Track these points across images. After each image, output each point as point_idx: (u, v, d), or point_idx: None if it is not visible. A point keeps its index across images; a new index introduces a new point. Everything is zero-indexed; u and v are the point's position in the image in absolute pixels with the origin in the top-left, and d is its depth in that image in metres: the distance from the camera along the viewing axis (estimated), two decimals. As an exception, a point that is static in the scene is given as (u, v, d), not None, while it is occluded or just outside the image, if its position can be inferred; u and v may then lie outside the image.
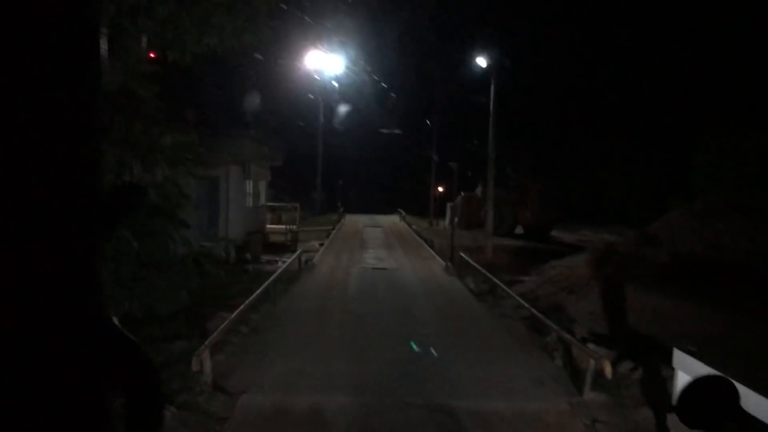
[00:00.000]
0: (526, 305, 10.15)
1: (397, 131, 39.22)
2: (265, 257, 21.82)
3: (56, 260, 0.64)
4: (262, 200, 26.78)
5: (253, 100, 26.85)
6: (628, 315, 9.46)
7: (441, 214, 36.07)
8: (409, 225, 33.65)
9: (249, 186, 23.47)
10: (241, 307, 9.36)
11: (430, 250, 21.01)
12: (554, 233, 29.43)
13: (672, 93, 35.09)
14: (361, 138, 47.53)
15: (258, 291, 10.61)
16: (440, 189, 38.12)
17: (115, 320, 0.73)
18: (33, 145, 0.63)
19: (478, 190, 30.79)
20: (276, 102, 34.36)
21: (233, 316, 8.82)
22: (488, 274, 13.55)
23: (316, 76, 32.60)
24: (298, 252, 16.51)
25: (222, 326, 8.09)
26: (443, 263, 17.21)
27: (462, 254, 16.15)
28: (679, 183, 36.41)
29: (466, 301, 12.31)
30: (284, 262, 20.77)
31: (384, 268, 16.53)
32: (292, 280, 13.82)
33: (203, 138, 18.99)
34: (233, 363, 7.64)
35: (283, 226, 25.75)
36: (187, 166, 8.94)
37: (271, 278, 11.62)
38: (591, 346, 8.38)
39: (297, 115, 38.04)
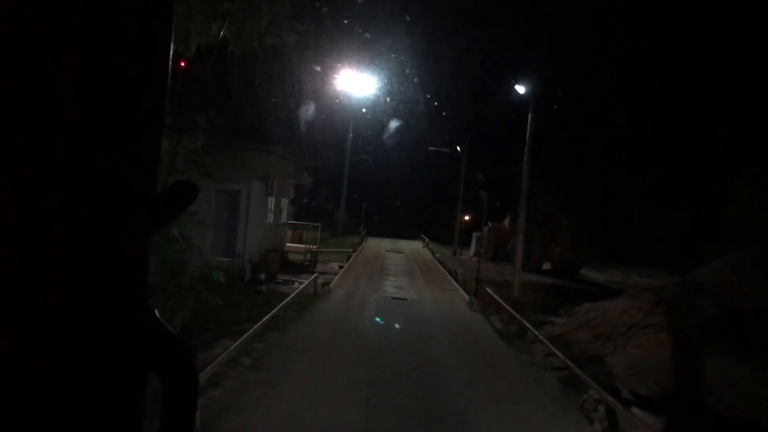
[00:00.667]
0: (561, 355, 9.12)
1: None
2: (281, 277, 21.10)
3: (113, 250, 0.66)
4: (284, 218, 26.15)
5: (283, 115, 26.46)
6: (677, 374, 8.36)
7: (466, 244, 35.01)
8: (432, 253, 32.66)
9: (271, 202, 22.87)
10: (245, 335, 8.54)
11: (454, 282, 20.01)
12: (582, 272, 28.20)
13: (710, 133, 33.77)
14: (388, 161, 46.91)
15: (266, 317, 9.78)
16: (467, 217, 37.09)
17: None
18: (106, 140, 0.65)
19: (506, 222, 29.74)
20: (306, 120, 34.02)
21: (234, 345, 8.00)
22: (517, 314, 12.52)
23: (346, 97, 32.24)
24: (314, 275, 15.66)
25: (220, 358, 7.26)
26: (467, 297, 16.20)
27: (488, 290, 15.12)
28: (713, 228, 35.05)
29: (491, 344, 11.29)
30: (301, 283, 20.08)
31: (404, 299, 15.58)
32: (306, 306, 12.96)
33: (226, 150, 18.46)
34: (228, 402, 6.77)
35: (303, 246, 24.98)
36: (199, 173, 8.22)
37: (282, 303, 10.78)
38: (635, 410, 7.34)
39: (326, 136, 37.62)
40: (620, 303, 12.57)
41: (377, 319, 12.47)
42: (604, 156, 38.26)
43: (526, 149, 18.43)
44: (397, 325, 11.93)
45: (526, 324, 11.25)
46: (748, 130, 31.69)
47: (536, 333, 10.65)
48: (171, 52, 0.71)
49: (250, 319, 10.46)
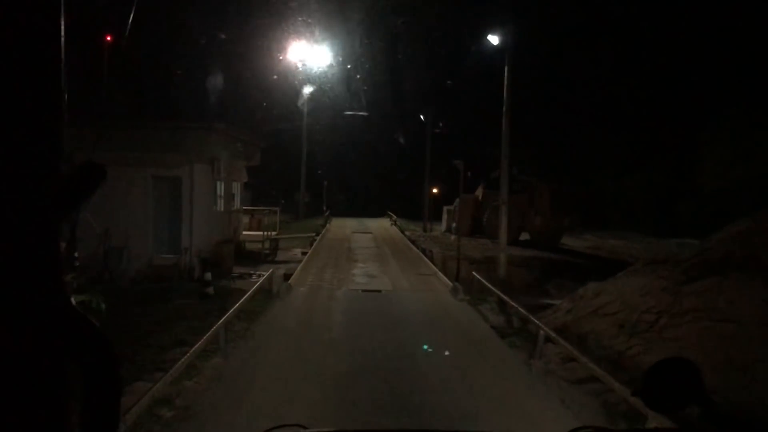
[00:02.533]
0: (590, 363, 6.98)
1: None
2: (238, 270, 18.67)
3: (15, 241, 0.64)
4: (237, 204, 23.50)
5: (224, 89, 23.62)
6: (754, 381, 6.34)
7: (436, 218, 32.88)
8: (402, 230, 30.47)
9: (220, 188, 20.22)
10: (169, 373, 6.14)
11: (430, 264, 17.84)
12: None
13: (680, 82, 32.31)
14: (346, 135, 44.23)
15: (205, 336, 7.40)
16: (435, 190, 34.93)
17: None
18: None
19: (479, 192, 27.68)
20: (254, 95, 31.14)
21: (152, 388, 5.63)
22: (514, 303, 10.42)
23: (299, 67, 29.45)
24: (270, 271, 13.24)
25: (131, 408, 4.90)
26: (449, 283, 14.07)
27: (475, 274, 12.97)
28: (686, 186, 33.83)
29: (489, 345, 9.16)
30: (260, 276, 17.60)
31: (377, 291, 13.33)
32: (260, 312, 10.57)
33: (160, 130, 15.71)
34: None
35: (261, 233, 22.44)
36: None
37: (224, 317, 8.35)
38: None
39: (278, 111, 34.74)
40: (636, 281, 10.54)
41: (345, 323, 10.19)
42: (576, 117, 36.59)
43: (504, 108, 16.25)
44: (372, 330, 9.64)
45: (536, 321, 9.07)
46: (718, 76, 30.34)
47: (548, 331, 8.49)
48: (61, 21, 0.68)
49: (186, 341, 8.07)
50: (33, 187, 0.65)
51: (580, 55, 35.33)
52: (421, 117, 33.39)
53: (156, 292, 14.10)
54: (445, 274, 15.97)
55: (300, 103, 34.14)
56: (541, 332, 8.37)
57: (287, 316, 10.58)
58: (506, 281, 15.01)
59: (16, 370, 0.64)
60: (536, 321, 8.92)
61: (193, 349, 6.92)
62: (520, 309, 9.87)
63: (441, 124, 33.27)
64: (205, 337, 7.36)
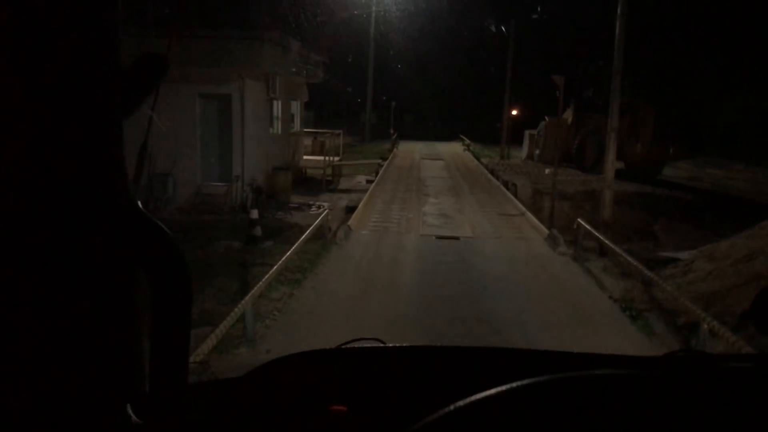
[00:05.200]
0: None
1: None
2: (296, 200, 16.75)
3: (75, 137, 0.62)
4: (297, 125, 21.32)
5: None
6: None
7: (514, 143, 29.56)
8: (477, 157, 27.56)
9: (276, 107, 18.01)
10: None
11: (515, 200, 15.13)
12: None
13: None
14: (416, 51, 40.48)
15: (226, 320, 5.34)
16: (514, 112, 31.43)
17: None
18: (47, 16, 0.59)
19: (568, 115, 24.21)
20: (315, 2, 28.09)
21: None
22: (645, 269, 7.78)
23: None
24: (324, 212, 11.02)
25: None
26: (542, 228, 11.48)
27: (580, 221, 10.24)
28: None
29: (615, 331, 6.60)
30: (320, 207, 15.65)
31: (455, 238, 10.89)
32: (307, 269, 8.40)
33: (205, 41, 13.36)
34: None
35: (322, 158, 20.27)
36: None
37: (264, 280, 6.22)
38: None
39: (342, 22, 31.55)
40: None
41: (416, 289, 7.87)
42: (671, 30, 31.52)
43: (618, 9, 12.83)
44: (451, 303, 7.23)
45: (691, 305, 6.37)
46: None
47: (717, 325, 5.78)
48: None
49: (208, 316, 6.05)
50: (92, 81, 0.62)
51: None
52: (502, 28, 29.52)
53: (200, 228, 12.34)
54: (534, 215, 13.33)
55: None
56: (704, 326, 5.73)
57: (342, 275, 8.35)
58: (615, 228, 12.23)
59: (84, 277, 0.62)
60: (698, 310, 6.22)
61: (221, 326, 4.86)
62: (666, 287, 7.19)
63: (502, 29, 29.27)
64: (226, 321, 5.27)
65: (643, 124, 21.21)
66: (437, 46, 40.24)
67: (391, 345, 1.32)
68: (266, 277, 6.49)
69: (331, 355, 1.28)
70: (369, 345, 1.37)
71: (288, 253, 7.87)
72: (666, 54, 30.67)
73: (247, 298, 5.78)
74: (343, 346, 1.35)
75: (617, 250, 8.69)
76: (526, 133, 27.43)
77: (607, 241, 9.22)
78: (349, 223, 11.25)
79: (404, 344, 1.29)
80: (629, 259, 8.34)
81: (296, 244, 8.41)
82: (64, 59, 0.60)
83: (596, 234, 9.71)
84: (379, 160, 23.49)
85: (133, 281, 0.67)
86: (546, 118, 24.91)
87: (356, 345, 1.37)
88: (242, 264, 8.97)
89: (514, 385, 0.71)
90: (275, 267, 7.04)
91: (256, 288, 6.07)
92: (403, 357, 1.29)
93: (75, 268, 0.62)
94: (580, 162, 22.30)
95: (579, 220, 10.23)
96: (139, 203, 0.69)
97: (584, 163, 22.17)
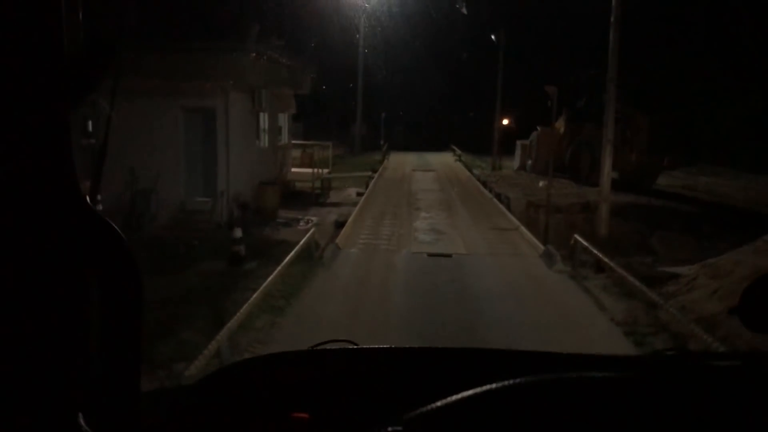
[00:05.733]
0: None
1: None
2: (284, 214, 16.31)
3: (20, 131, 0.60)
4: (285, 138, 20.87)
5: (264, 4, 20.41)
6: None
7: (504, 153, 29.16)
8: (468, 168, 27.19)
9: (263, 120, 17.58)
10: None
11: (508, 214, 14.72)
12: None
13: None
14: (406, 61, 40.17)
15: (204, 354, 4.86)
16: (505, 122, 31.12)
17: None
18: None
19: (560, 124, 23.88)
20: (301, 13, 27.71)
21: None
22: (649, 291, 7.37)
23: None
24: (311, 231, 10.53)
25: None
26: (536, 243, 11.06)
27: (577, 237, 9.82)
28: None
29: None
30: (308, 221, 15.27)
31: (448, 255, 10.44)
32: (291, 295, 7.90)
33: (189, 54, 12.94)
34: None
35: (311, 171, 19.84)
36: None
37: (237, 317, 5.74)
38: None
39: (330, 32, 31.14)
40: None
41: (408, 314, 7.40)
42: (664, 38, 31.43)
43: (611, 17, 12.54)
44: (445, 331, 6.76)
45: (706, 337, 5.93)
46: None
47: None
48: None
49: (181, 354, 5.55)
50: (35, 69, 0.60)
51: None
52: (492, 37, 29.25)
53: (182, 247, 11.87)
54: (528, 228, 12.93)
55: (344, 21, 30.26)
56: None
57: (329, 300, 7.87)
58: (612, 242, 11.84)
59: (30, 278, 0.59)
60: (704, 335, 5.80)
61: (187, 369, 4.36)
62: (672, 309, 6.77)
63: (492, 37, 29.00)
64: (198, 360, 4.78)
65: (637, 133, 20.91)
66: (427, 56, 39.99)
67: (363, 347, 1.29)
68: (243, 308, 6.02)
69: (301, 357, 1.23)
70: (341, 347, 1.33)
71: (270, 277, 7.41)
72: (658, 62, 30.56)
73: (222, 332, 5.30)
74: (314, 348, 1.30)
75: (619, 270, 8.29)
76: (518, 143, 27.11)
77: (607, 260, 8.80)
78: (337, 240, 10.78)
79: (377, 346, 1.25)
80: (632, 279, 7.93)
81: (279, 267, 7.94)
82: (4, 49, 0.58)
83: (596, 252, 9.28)
84: (370, 172, 23.07)
85: (83, 283, 0.63)
86: (538, 128, 24.59)
87: (328, 347, 1.32)
88: (223, 288, 8.47)
89: (493, 386, 0.70)
90: (255, 294, 6.57)
91: (232, 321, 5.59)
92: (375, 359, 1.24)
93: (20, 268, 0.59)
94: (574, 173, 21.97)
95: (576, 236, 9.81)
96: (87, 198, 0.66)
97: (578, 174, 21.84)
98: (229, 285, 8.60)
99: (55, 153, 0.62)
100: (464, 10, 28.40)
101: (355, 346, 1.34)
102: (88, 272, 0.64)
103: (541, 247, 10.66)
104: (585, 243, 9.51)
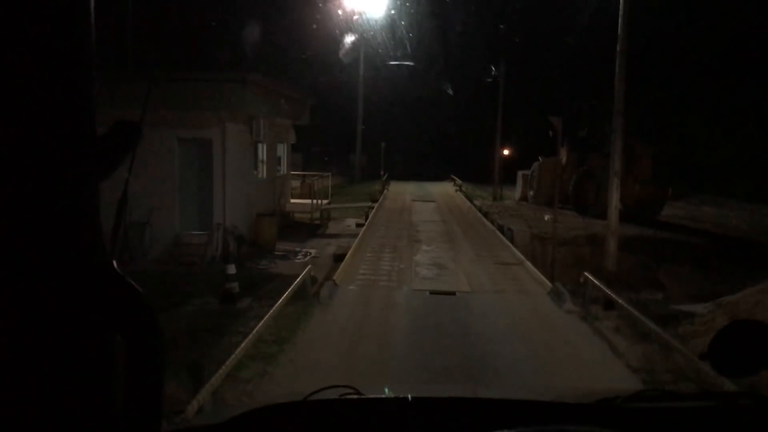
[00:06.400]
0: None
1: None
2: (282, 247, 15.92)
3: (57, 201, 0.63)
4: (284, 169, 20.56)
5: (263, 36, 20.32)
6: None
7: (505, 183, 28.83)
8: (470, 199, 26.81)
9: (261, 151, 17.28)
10: None
11: (512, 248, 14.26)
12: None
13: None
14: (406, 92, 40.17)
15: (187, 410, 4.38)
16: (505, 152, 30.92)
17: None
18: (22, 80, 0.59)
19: (562, 155, 23.54)
20: (302, 45, 27.70)
21: None
22: (668, 336, 6.88)
23: (356, 17, 25.73)
24: (307, 268, 10.04)
25: None
26: (543, 280, 10.57)
27: (587, 275, 9.35)
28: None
29: None
30: (307, 254, 14.87)
31: (451, 293, 9.95)
32: (285, 340, 7.38)
33: (185, 84, 12.68)
34: None
35: (310, 201, 19.53)
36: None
37: (223, 369, 5.25)
38: None
39: (330, 64, 31.11)
40: None
41: (410, 362, 6.89)
42: (663, 67, 31.40)
43: (618, 46, 12.28)
44: (450, 384, 6.27)
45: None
46: None
47: None
48: None
49: (168, 401, 5.09)
50: (68, 148, 0.63)
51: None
52: (492, 68, 29.23)
53: (175, 281, 11.43)
54: (533, 261, 12.48)
55: (343, 52, 30.09)
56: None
57: (325, 345, 7.34)
58: (621, 277, 11.38)
59: (58, 339, 0.62)
60: (726, 382, 5.32)
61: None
62: (693, 357, 6.25)
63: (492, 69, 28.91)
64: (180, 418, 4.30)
65: (641, 164, 20.59)
66: (427, 86, 40.00)
67: (363, 397, 1.33)
68: (230, 358, 5.50)
69: (298, 408, 1.27)
70: (341, 395, 1.33)
71: (264, 320, 6.93)
72: (661, 92, 30.45)
73: (205, 388, 4.80)
74: (312, 396, 1.32)
75: (633, 312, 7.78)
76: (519, 173, 26.78)
77: (620, 301, 8.33)
78: (335, 276, 10.31)
79: (378, 396, 1.34)
80: (646, 321, 7.44)
81: (273, 308, 7.47)
82: (40, 125, 0.60)
83: (607, 291, 8.81)
84: (369, 203, 22.71)
85: (108, 341, 0.65)
86: (540, 158, 24.28)
87: (328, 395, 1.34)
88: (213, 330, 7.97)
89: None
90: (245, 341, 6.08)
91: (215, 377, 5.08)
92: (376, 409, 1.26)
93: (49, 329, 0.61)
94: (577, 204, 21.58)
95: (586, 274, 9.35)
96: (114, 263, 0.68)
97: (582, 205, 21.45)
98: (221, 326, 8.11)
99: (85, 223, 0.64)
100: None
101: (352, 394, 1.30)
102: (113, 334, 0.65)
103: (548, 284, 10.18)
104: (595, 281, 9.03)
